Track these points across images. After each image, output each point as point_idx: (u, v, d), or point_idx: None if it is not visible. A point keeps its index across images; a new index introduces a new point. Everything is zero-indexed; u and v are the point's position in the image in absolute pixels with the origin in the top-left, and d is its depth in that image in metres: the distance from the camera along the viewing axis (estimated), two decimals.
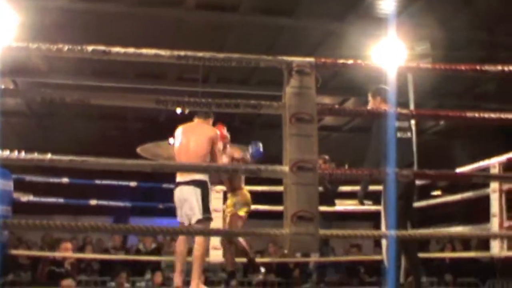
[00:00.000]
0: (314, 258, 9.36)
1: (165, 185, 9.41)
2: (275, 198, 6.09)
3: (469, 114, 4.02)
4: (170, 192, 6.47)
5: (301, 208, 3.48)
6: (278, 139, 3.76)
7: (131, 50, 3.55)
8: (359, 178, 5.82)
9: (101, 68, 11.07)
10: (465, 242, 11.01)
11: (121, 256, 10.33)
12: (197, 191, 6.15)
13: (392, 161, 4.63)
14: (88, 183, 9.30)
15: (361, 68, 5.96)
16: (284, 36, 9.97)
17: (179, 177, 6.29)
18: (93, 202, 9.47)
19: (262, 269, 7.11)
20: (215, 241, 8.02)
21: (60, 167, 3.48)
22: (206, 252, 6.54)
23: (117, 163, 3.56)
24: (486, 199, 7.19)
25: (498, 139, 12.04)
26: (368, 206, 7.66)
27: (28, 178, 8.63)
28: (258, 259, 8.97)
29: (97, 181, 9.30)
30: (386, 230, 5.76)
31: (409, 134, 5.90)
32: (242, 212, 7.02)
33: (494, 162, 7.04)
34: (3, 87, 3.59)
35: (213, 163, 6.19)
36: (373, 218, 10.06)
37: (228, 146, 7.08)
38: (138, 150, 12.02)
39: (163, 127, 12.41)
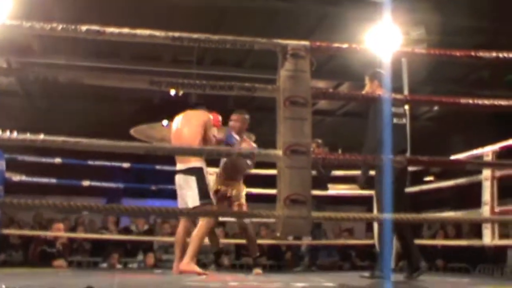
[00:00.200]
0: (306, 241, 9.39)
1: (158, 167, 9.43)
2: (269, 182, 6.11)
3: (463, 101, 4.02)
4: (163, 174, 6.52)
5: (294, 191, 3.49)
6: (272, 122, 3.76)
7: (125, 30, 3.54)
8: (352, 163, 5.83)
9: (96, 49, 11.02)
10: (457, 228, 11.06)
11: (113, 236, 10.33)
12: (192, 179, 6.23)
13: (387, 147, 4.63)
14: (81, 163, 9.27)
15: (356, 53, 5.94)
16: (279, 19, 9.93)
17: (177, 165, 6.40)
18: (86, 183, 9.45)
19: (259, 270, 7.16)
20: None
21: (53, 147, 3.48)
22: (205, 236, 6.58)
23: (111, 145, 3.56)
24: (478, 185, 7.22)
25: (491, 125, 12.05)
26: (362, 191, 7.68)
27: (20, 157, 8.61)
28: None
29: (90, 162, 9.27)
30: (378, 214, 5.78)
31: (404, 120, 5.90)
32: (244, 200, 7.08)
33: (487, 151, 7.05)
34: None
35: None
36: (366, 203, 10.08)
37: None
38: (132, 131, 12.01)
39: (157, 109, 12.42)
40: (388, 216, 5.01)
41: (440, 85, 12.24)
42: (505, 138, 7.01)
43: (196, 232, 6.25)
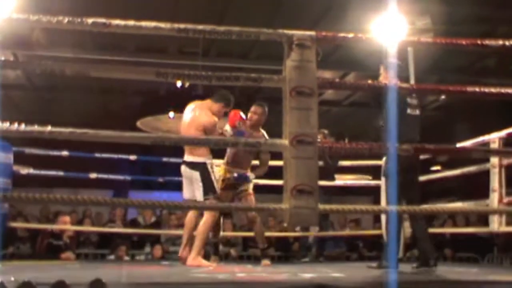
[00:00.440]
0: (313, 232, 9.40)
1: (165, 159, 9.43)
2: (275, 173, 6.11)
3: (470, 89, 4.02)
4: (170, 166, 6.59)
5: (301, 182, 3.49)
6: (278, 113, 3.76)
7: (131, 22, 3.54)
8: (359, 152, 5.81)
9: (102, 42, 11.03)
10: (466, 217, 11.02)
11: (120, 229, 10.35)
12: (196, 174, 6.39)
13: (400, 136, 4.57)
14: (88, 156, 9.30)
15: (362, 42, 5.95)
16: (284, 10, 9.90)
17: (185, 156, 6.53)
18: (93, 175, 9.48)
19: (268, 261, 7.19)
20: None
21: (60, 140, 3.49)
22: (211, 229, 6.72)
23: (117, 135, 3.57)
24: (485, 174, 7.20)
25: (498, 114, 12.00)
26: (368, 181, 7.68)
27: (28, 151, 8.64)
28: None
29: (97, 155, 9.31)
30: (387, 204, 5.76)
31: (417, 111, 5.85)
32: (251, 189, 7.09)
33: (494, 137, 7.02)
34: (3, 59, 3.58)
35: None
36: (372, 193, 10.08)
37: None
38: (138, 123, 12.01)
39: (163, 101, 12.41)
40: (395, 208, 5.01)
41: (446, 74, 12.21)
42: None
43: (200, 227, 6.43)
